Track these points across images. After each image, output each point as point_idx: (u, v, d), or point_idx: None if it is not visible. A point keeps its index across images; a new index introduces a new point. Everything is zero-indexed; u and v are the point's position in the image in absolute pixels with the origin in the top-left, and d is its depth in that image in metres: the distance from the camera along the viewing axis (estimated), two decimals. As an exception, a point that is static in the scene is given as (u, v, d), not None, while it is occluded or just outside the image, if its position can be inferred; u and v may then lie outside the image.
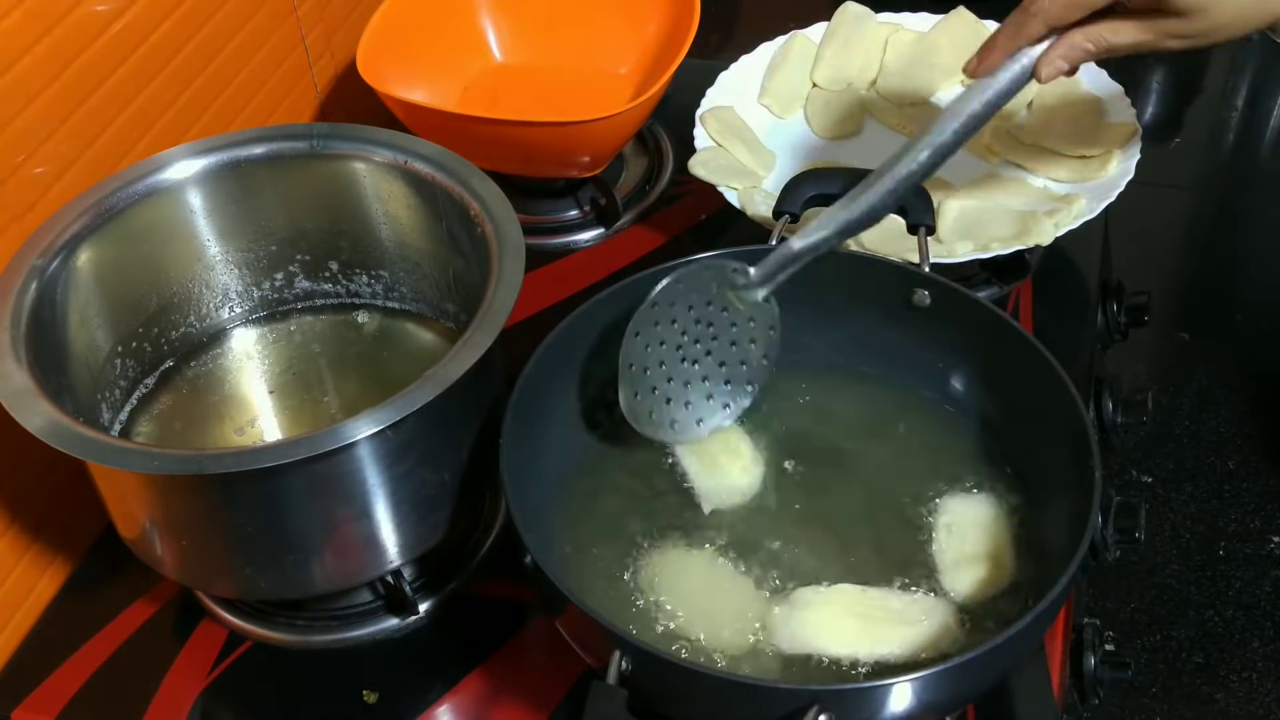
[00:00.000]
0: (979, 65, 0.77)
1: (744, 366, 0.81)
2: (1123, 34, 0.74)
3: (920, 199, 0.87)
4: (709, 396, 0.82)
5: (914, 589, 0.76)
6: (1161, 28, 0.73)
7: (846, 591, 0.75)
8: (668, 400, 0.81)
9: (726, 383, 0.82)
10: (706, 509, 0.81)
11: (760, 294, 0.80)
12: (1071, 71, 0.76)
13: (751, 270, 0.80)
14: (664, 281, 0.80)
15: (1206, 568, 1.25)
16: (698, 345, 0.81)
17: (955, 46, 1.17)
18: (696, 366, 0.81)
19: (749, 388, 0.82)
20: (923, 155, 0.76)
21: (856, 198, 0.77)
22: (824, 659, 0.73)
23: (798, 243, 0.78)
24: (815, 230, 0.78)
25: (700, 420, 0.82)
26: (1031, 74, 0.76)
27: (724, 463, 0.83)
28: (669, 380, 0.81)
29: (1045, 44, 0.75)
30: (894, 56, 1.18)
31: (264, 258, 0.92)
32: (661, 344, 0.81)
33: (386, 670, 0.82)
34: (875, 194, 0.77)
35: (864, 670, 0.72)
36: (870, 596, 0.75)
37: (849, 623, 0.74)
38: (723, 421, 0.82)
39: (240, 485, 0.71)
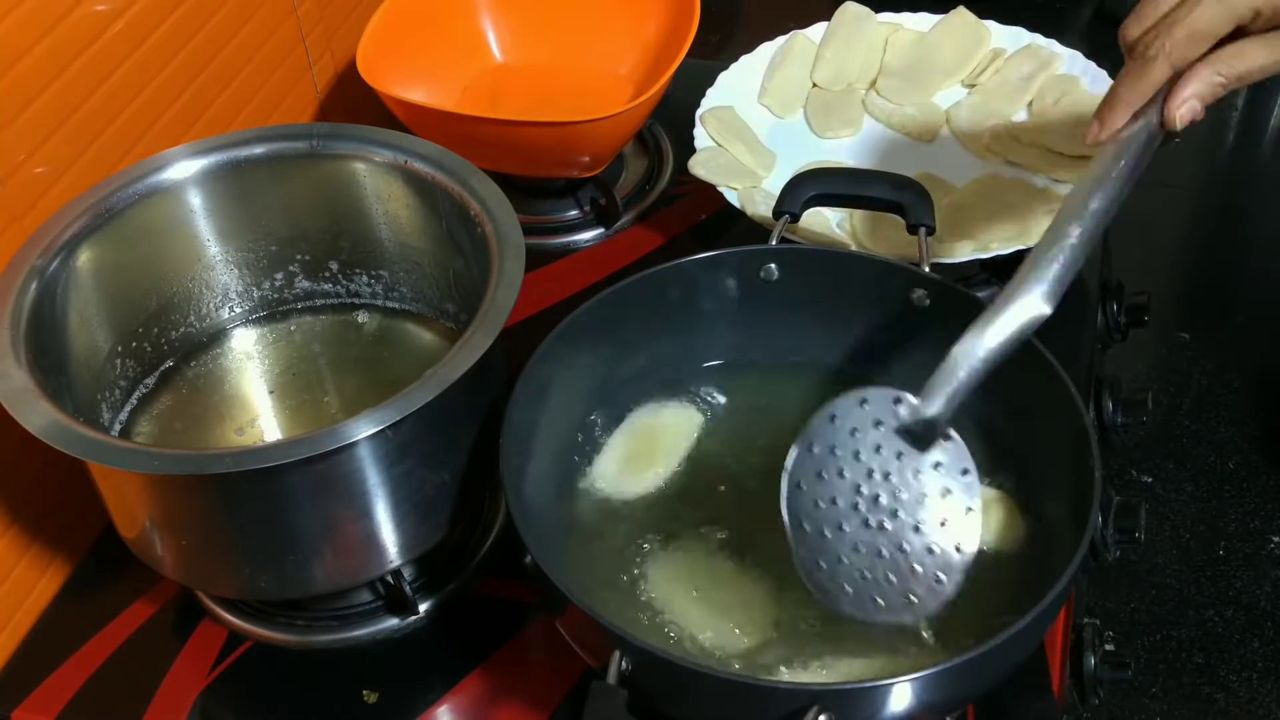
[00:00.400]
0: (1103, 128, 0.70)
1: (944, 526, 0.69)
2: (1250, 57, 0.68)
3: (920, 199, 0.87)
4: (914, 568, 0.69)
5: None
6: None
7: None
8: (862, 575, 0.69)
9: (930, 551, 0.69)
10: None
11: (938, 433, 0.69)
12: (1202, 112, 0.69)
13: (915, 401, 0.69)
14: (814, 421, 0.70)
15: (1206, 568, 1.25)
16: (880, 502, 0.69)
17: (955, 46, 1.17)
18: (885, 532, 0.69)
19: (958, 552, 0.69)
20: (1070, 244, 0.67)
21: (1020, 296, 0.67)
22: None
23: (966, 363, 0.67)
24: (981, 343, 0.68)
25: (912, 596, 0.68)
26: (1162, 126, 0.69)
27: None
28: (856, 550, 0.69)
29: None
30: (894, 56, 1.18)
31: (264, 258, 0.92)
32: (835, 502, 0.69)
33: (386, 670, 0.82)
34: (1040, 292, 0.67)
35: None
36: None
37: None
38: (940, 601, 0.68)
39: (240, 485, 0.71)
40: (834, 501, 0.70)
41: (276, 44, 1.07)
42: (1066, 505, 0.74)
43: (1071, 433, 0.73)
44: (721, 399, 0.87)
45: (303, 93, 1.13)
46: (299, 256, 0.93)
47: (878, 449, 0.70)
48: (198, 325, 0.92)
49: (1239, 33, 0.68)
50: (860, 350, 0.87)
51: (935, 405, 0.69)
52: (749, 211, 1.01)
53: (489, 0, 1.22)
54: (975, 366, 0.68)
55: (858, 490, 0.70)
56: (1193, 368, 1.42)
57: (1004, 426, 0.82)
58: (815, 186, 0.89)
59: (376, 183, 0.88)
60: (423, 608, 0.84)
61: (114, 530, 0.80)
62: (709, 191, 1.04)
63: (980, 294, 0.88)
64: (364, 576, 0.79)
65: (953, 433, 0.70)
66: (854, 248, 1.00)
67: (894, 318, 0.84)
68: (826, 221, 1.03)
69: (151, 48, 0.92)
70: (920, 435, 0.70)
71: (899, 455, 0.70)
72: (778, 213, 0.89)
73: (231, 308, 0.93)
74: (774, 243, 0.86)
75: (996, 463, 0.82)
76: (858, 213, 1.02)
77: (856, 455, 0.70)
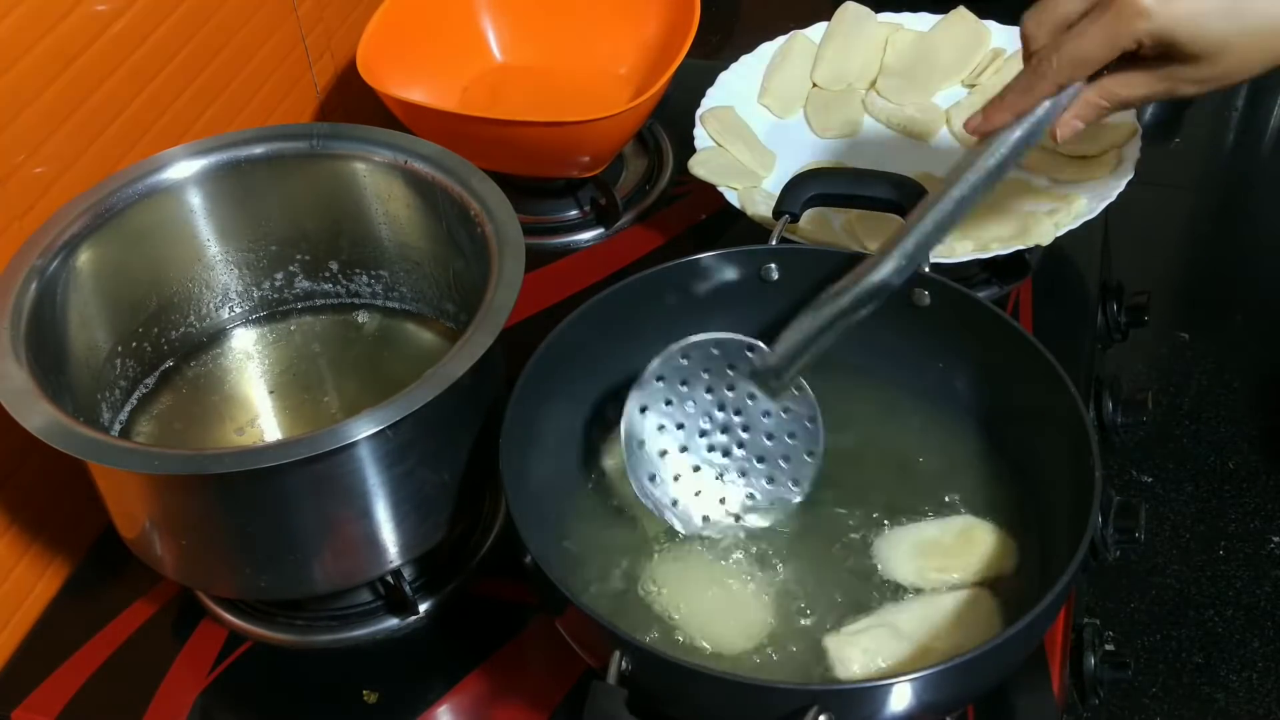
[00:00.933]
0: (985, 123, 0.75)
1: (785, 463, 0.79)
2: (1135, 86, 0.73)
3: (920, 199, 0.87)
4: (750, 495, 0.79)
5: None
6: (1173, 75, 0.72)
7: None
8: (696, 493, 0.79)
9: (769, 481, 0.79)
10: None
11: (784, 380, 0.77)
12: (1083, 128, 0.76)
13: (767, 350, 0.77)
14: (659, 357, 0.77)
15: (1206, 568, 1.25)
16: (725, 435, 0.79)
17: (955, 46, 1.17)
18: (729, 459, 0.79)
19: (794, 487, 0.79)
20: (927, 223, 0.75)
21: (873, 266, 0.75)
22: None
23: (812, 320, 0.76)
24: (830, 303, 0.76)
25: (738, 518, 0.79)
26: (1039, 135, 0.75)
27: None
28: (695, 469, 0.79)
29: (1048, 102, 0.74)
30: (894, 56, 1.18)
31: (264, 258, 0.92)
32: (680, 427, 0.78)
33: (386, 670, 0.82)
34: (890, 262, 0.75)
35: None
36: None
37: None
38: (763, 522, 0.79)
39: (240, 485, 0.71)
40: (679, 427, 0.79)
41: (276, 44, 1.07)
42: (1066, 505, 0.74)
43: (1071, 433, 0.73)
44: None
45: (303, 93, 1.13)
46: (299, 256, 0.93)
47: (731, 388, 0.78)
48: (198, 325, 0.92)
49: (1126, 56, 0.72)
50: (860, 349, 0.87)
51: (780, 354, 0.76)
52: (749, 211, 1.01)
53: (489, 0, 1.22)
54: (817, 325, 0.76)
55: (708, 418, 0.79)
56: (1193, 368, 1.42)
57: (1004, 427, 0.82)
58: (815, 186, 0.89)
59: (376, 183, 0.88)
60: (423, 608, 0.84)
61: (114, 530, 0.80)
62: (709, 191, 1.04)
63: (980, 294, 0.87)
64: (364, 576, 0.79)
65: (804, 383, 0.77)
66: (854, 248, 1.00)
67: (894, 317, 0.84)
68: (827, 221, 1.03)
69: (151, 48, 0.92)
70: (771, 383, 0.77)
71: (751, 397, 0.78)
72: (778, 213, 0.89)
73: (231, 308, 0.93)
74: (774, 243, 0.86)
75: (997, 463, 0.82)
76: (857, 213, 1.02)
77: (708, 390, 0.78)
